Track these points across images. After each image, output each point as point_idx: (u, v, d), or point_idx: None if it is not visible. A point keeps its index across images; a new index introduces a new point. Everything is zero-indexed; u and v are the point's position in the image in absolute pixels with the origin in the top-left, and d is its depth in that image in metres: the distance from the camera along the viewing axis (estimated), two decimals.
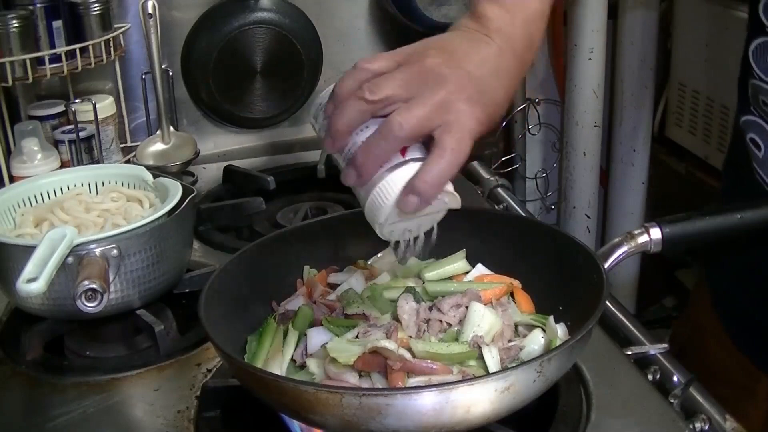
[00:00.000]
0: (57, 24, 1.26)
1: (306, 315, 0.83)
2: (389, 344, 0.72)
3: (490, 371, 0.74)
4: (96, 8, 1.29)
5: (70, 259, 0.86)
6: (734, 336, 1.01)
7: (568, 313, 0.82)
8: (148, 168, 1.08)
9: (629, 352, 0.91)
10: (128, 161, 1.38)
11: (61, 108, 1.32)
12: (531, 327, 0.82)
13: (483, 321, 0.78)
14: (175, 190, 0.99)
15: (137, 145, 1.39)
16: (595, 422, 0.79)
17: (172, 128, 1.39)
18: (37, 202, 1.03)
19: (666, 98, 1.96)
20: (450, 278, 0.89)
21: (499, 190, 1.37)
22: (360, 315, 0.80)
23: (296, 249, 0.92)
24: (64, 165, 1.26)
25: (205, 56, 1.49)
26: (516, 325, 0.82)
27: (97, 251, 0.88)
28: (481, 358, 0.75)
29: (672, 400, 0.84)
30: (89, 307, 0.81)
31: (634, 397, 0.84)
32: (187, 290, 1.02)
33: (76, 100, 1.31)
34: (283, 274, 0.90)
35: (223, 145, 1.60)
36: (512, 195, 1.36)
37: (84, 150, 1.29)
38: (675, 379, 0.88)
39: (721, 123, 1.76)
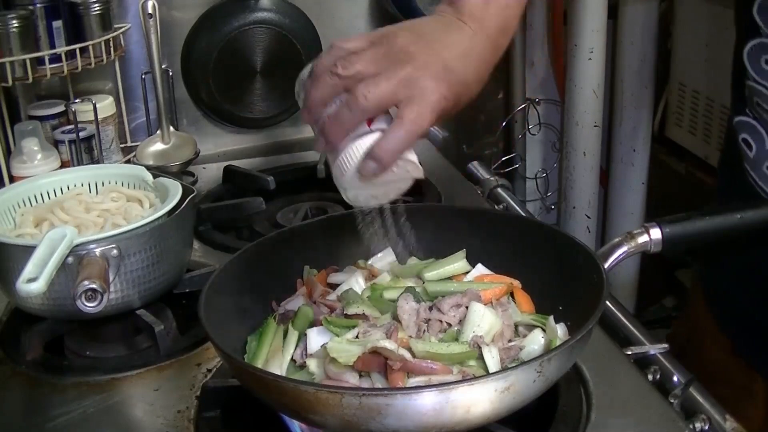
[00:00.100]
0: (57, 24, 1.26)
1: (306, 315, 0.83)
2: (389, 344, 0.72)
3: (490, 371, 0.74)
4: (96, 8, 1.30)
5: (70, 259, 0.86)
6: (730, 337, 1.01)
7: (568, 313, 0.82)
8: (148, 168, 1.08)
9: (629, 352, 0.91)
10: (128, 161, 1.38)
11: (61, 108, 1.32)
12: (531, 327, 0.82)
13: (483, 321, 0.78)
14: (175, 190, 0.99)
15: (137, 145, 1.39)
16: (595, 422, 0.79)
17: (172, 128, 1.39)
18: (37, 202, 1.03)
19: (666, 98, 1.96)
20: (450, 278, 0.89)
21: (499, 190, 1.37)
22: (360, 315, 0.80)
23: (296, 249, 0.92)
24: (64, 165, 1.26)
25: (205, 56, 1.49)
26: (516, 325, 0.82)
27: (97, 251, 0.88)
28: (481, 358, 0.75)
29: (672, 400, 0.84)
30: (89, 307, 0.81)
31: (634, 397, 0.84)
32: (187, 290, 1.02)
33: (76, 100, 1.31)
34: (283, 274, 0.90)
35: (223, 145, 1.60)
36: (512, 195, 1.36)
37: (84, 150, 1.29)
38: (675, 379, 0.88)
39: (721, 123, 1.76)
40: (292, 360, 0.80)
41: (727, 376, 0.98)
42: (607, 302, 0.92)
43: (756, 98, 0.90)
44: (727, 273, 1.02)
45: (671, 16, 1.91)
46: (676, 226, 0.81)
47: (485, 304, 0.81)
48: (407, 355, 0.72)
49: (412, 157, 0.75)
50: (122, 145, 1.41)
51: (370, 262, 0.93)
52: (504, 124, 1.91)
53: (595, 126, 1.77)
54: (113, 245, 0.88)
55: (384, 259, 0.93)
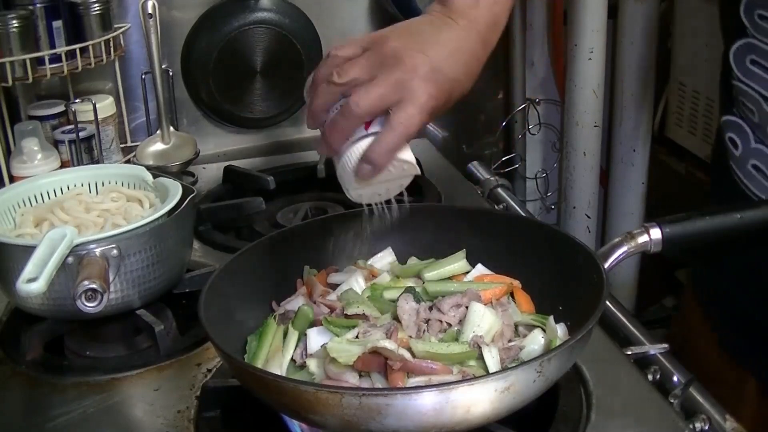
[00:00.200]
0: (57, 24, 1.26)
1: (306, 315, 0.83)
2: (389, 344, 0.72)
3: (490, 371, 0.74)
4: (96, 8, 1.30)
5: (70, 259, 0.86)
6: (721, 336, 1.01)
7: (568, 313, 0.82)
8: (148, 168, 1.08)
9: (629, 352, 0.91)
10: (128, 161, 1.38)
11: (61, 108, 1.32)
12: (531, 327, 0.82)
13: (483, 321, 0.78)
14: (175, 190, 0.99)
15: (137, 145, 1.39)
16: (595, 422, 0.79)
17: (172, 128, 1.39)
18: (37, 202, 1.03)
19: (666, 98, 1.96)
20: (450, 278, 0.89)
21: (499, 190, 1.37)
22: (360, 315, 0.80)
23: (296, 249, 0.92)
24: (64, 165, 1.26)
25: (205, 56, 1.49)
26: (516, 325, 0.82)
27: (97, 251, 0.88)
28: (481, 358, 0.75)
29: (672, 400, 0.84)
30: (89, 307, 0.81)
31: (634, 397, 0.84)
32: (187, 290, 1.02)
33: (76, 100, 1.31)
34: (283, 274, 0.90)
35: (223, 145, 1.60)
36: (512, 195, 1.36)
37: (84, 150, 1.29)
38: (675, 379, 0.88)
39: None
40: (292, 360, 0.80)
41: (720, 376, 0.98)
42: (607, 302, 0.92)
43: (741, 98, 0.90)
44: (719, 272, 1.02)
45: (671, 16, 1.90)
46: (676, 226, 0.81)
47: (485, 304, 0.81)
48: (407, 355, 0.72)
49: (407, 156, 0.78)
50: (122, 145, 1.41)
51: (370, 262, 0.93)
52: (504, 124, 1.90)
53: (595, 126, 1.77)
54: (113, 245, 0.88)
55: (384, 259, 0.93)
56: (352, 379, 0.73)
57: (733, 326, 1.00)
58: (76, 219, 0.97)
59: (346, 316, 0.80)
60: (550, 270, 0.85)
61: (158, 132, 1.38)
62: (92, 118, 1.29)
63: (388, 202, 0.84)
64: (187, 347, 0.96)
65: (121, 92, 1.43)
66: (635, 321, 0.98)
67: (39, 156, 1.22)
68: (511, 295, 0.87)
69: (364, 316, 0.80)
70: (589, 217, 1.85)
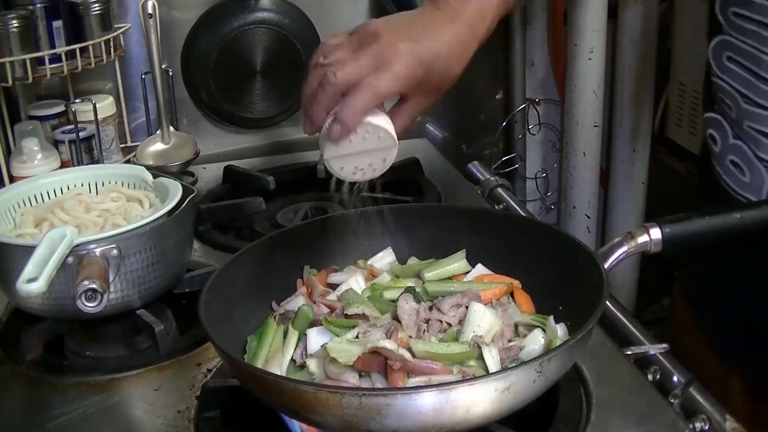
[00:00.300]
0: (57, 24, 1.26)
1: (306, 315, 0.83)
2: (389, 344, 0.72)
3: (490, 371, 0.74)
4: (96, 8, 1.30)
5: (70, 259, 0.86)
6: (708, 334, 1.02)
7: (568, 313, 0.82)
8: (148, 168, 1.08)
9: (629, 352, 0.91)
10: (128, 161, 1.38)
11: (61, 108, 1.32)
12: (531, 327, 0.82)
13: (483, 321, 0.78)
14: (175, 190, 0.99)
15: (137, 145, 1.39)
16: (595, 422, 0.79)
17: (172, 128, 1.39)
18: (37, 202, 1.03)
19: (666, 98, 1.96)
20: (450, 278, 0.89)
21: (499, 190, 1.37)
22: (360, 315, 0.80)
23: (296, 249, 0.92)
24: (64, 165, 1.26)
25: (205, 56, 1.49)
26: (516, 325, 0.82)
27: (97, 251, 0.88)
28: (481, 358, 0.75)
29: (672, 400, 0.84)
30: (89, 307, 0.81)
31: (634, 397, 0.84)
32: (187, 290, 1.02)
33: (76, 100, 1.31)
34: (283, 274, 0.90)
35: (223, 145, 1.60)
36: (512, 195, 1.36)
37: (84, 150, 1.29)
38: (675, 379, 0.88)
39: None
40: (292, 360, 0.80)
41: (706, 373, 0.99)
42: (607, 302, 0.92)
43: (719, 94, 0.92)
44: (709, 271, 1.03)
45: (671, 16, 1.90)
46: (676, 226, 0.81)
47: (485, 304, 0.81)
48: (407, 355, 0.73)
49: (382, 122, 0.79)
50: (122, 145, 1.41)
51: (370, 262, 0.93)
52: (504, 124, 1.90)
53: (595, 126, 1.77)
54: (113, 245, 0.88)
55: (384, 259, 0.93)
56: (352, 379, 0.73)
57: (724, 324, 1.00)
58: (76, 219, 0.97)
59: (346, 316, 0.80)
60: (550, 270, 0.85)
61: (158, 132, 1.38)
62: (92, 118, 1.29)
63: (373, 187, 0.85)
64: (187, 347, 0.96)
65: (121, 92, 1.43)
66: (635, 321, 0.98)
67: (39, 156, 1.22)
68: (511, 295, 0.87)
69: (364, 316, 0.80)
70: (589, 217, 1.85)
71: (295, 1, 1.54)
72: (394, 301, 0.82)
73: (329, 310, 0.83)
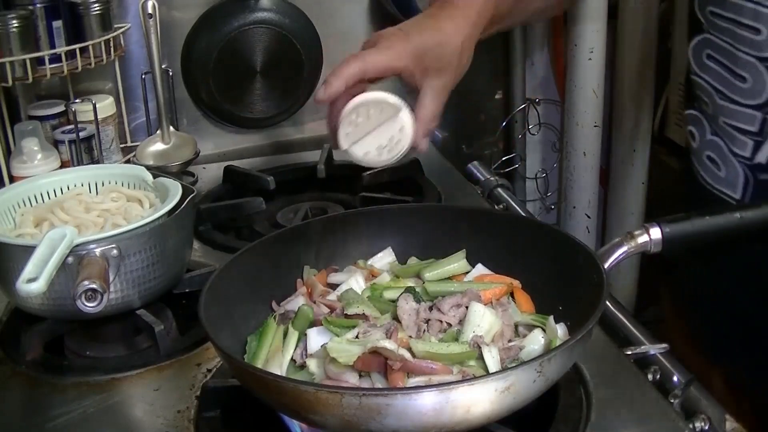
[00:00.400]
0: (57, 24, 1.26)
1: (306, 315, 0.83)
2: (389, 344, 0.72)
3: (490, 371, 0.74)
4: (96, 8, 1.30)
5: (70, 259, 0.86)
6: (693, 330, 1.04)
7: (568, 313, 0.82)
8: (148, 168, 1.08)
9: (629, 352, 0.91)
10: (128, 161, 1.38)
11: (61, 108, 1.32)
12: (531, 327, 0.82)
13: (483, 321, 0.78)
14: (175, 190, 0.99)
15: (137, 145, 1.39)
16: (595, 422, 0.79)
17: (172, 128, 1.39)
18: (37, 202, 1.03)
19: (666, 98, 1.96)
20: (450, 278, 0.89)
21: (499, 190, 1.37)
22: (360, 315, 0.80)
23: (296, 249, 0.92)
24: (64, 165, 1.26)
25: (205, 56, 1.49)
26: (516, 325, 0.82)
27: (97, 251, 0.88)
28: (481, 358, 0.75)
29: (672, 400, 0.84)
30: (89, 307, 0.81)
31: (634, 397, 0.83)
32: (187, 290, 1.02)
33: (76, 100, 1.31)
34: (283, 274, 0.90)
35: (223, 145, 1.60)
36: (512, 195, 1.36)
37: (84, 150, 1.29)
38: (675, 379, 0.88)
39: None
40: (292, 360, 0.80)
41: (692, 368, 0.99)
42: (607, 302, 0.92)
43: (698, 91, 0.94)
44: (698, 271, 1.04)
45: (671, 16, 1.90)
46: (676, 226, 0.81)
47: (485, 304, 0.81)
48: (407, 355, 0.72)
49: (376, 95, 0.81)
50: (122, 145, 1.41)
51: (370, 262, 0.93)
52: (504, 124, 1.90)
53: (595, 126, 1.77)
54: (113, 245, 0.88)
55: (384, 259, 0.93)
56: (352, 379, 0.73)
57: (719, 325, 1.01)
58: (76, 219, 0.97)
59: (346, 316, 0.80)
60: (550, 270, 0.85)
61: (158, 132, 1.38)
62: (92, 118, 1.29)
63: None
64: (187, 347, 0.96)
65: (121, 92, 1.43)
66: (635, 321, 0.98)
67: (39, 156, 1.22)
68: (511, 295, 0.87)
69: (364, 316, 0.80)
70: (589, 217, 1.85)
71: (295, 1, 1.54)
72: (394, 301, 0.82)
73: (329, 310, 0.83)
